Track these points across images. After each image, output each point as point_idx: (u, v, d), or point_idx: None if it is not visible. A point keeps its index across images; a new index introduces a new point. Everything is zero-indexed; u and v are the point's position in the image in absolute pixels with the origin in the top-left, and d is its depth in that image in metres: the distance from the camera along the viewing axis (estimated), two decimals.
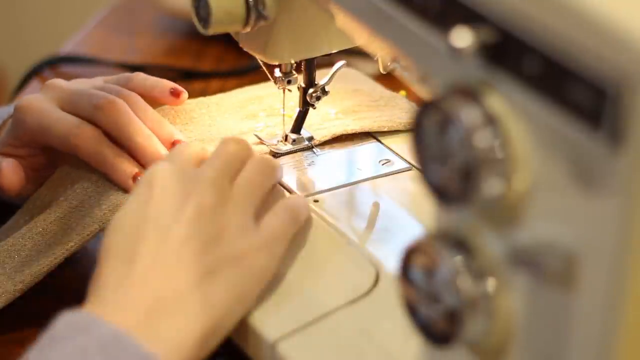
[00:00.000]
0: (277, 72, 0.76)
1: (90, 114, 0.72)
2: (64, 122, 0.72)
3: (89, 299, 0.57)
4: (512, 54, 0.43)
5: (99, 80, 0.78)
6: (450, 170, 0.45)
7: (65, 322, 0.55)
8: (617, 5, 0.39)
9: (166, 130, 0.75)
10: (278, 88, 0.77)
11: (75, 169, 0.74)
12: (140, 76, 0.78)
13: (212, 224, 0.59)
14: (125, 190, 0.72)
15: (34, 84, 1.01)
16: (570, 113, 0.41)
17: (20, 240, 0.71)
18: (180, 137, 0.75)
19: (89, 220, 0.70)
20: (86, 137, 0.71)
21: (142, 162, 0.72)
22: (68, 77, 0.79)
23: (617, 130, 0.39)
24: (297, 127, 0.79)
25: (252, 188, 0.63)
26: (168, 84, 0.78)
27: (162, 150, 0.73)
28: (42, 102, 0.73)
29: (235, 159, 0.63)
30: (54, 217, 0.72)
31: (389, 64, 0.72)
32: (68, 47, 1.08)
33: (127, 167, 0.72)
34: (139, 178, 0.71)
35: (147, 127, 0.73)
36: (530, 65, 0.42)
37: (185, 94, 0.78)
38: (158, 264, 0.57)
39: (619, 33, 0.38)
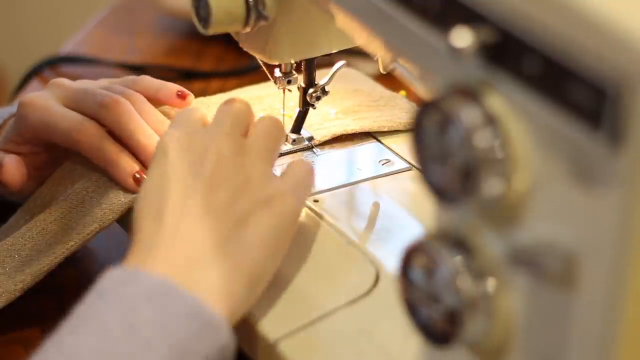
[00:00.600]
0: (277, 72, 0.76)
1: (95, 112, 0.73)
2: (67, 118, 0.72)
3: (128, 257, 0.58)
4: (512, 54, 0.43)
5: (103, 81, 0.78)
6: (450, 170, 0.45)
7: (110, 277, 0.56)
8: (617, 5, 0.39)
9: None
10: (278, 88, 0.77)
11: (76, 167, 0.74)
12: (146, 79, 0.78)
13: (235, 173, 0.60)
14: (126, 189, 0.72)
15: (34, 84, 1.01)
16: (570, 113, 0.41)
17: (20, 239, 0.71)
18: None
19: (89, 219, 0.70)
20: (89, 133, 0.72)
21: (143, 161, 0.72)
22: (68, 77, 0.79)
23: (617, 130, 0.39)
24: (297, 127, 0.79)
25: (269, 140, 0.64)
26: (174, 87, 0.78)
27: None
28: (45, 99, 0.74)
29: (241, 113, 0.64)
30: (54, 217, 0.72)
31: (389, 64, 0.72)
32: (68, 47, 1.08)
33: (128, 165, 0.72)
34: (138, 176, 0.71)
35: (150, 127, 0.73)
36: (530, 65, 0.42)
37: (191, 97, 0.79)
38: (187, 217, 0.58)
39: (619, 33, 0.38)
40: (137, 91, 0.76)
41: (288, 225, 0.61)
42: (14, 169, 0.73)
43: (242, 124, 0.64)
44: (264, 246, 0.59)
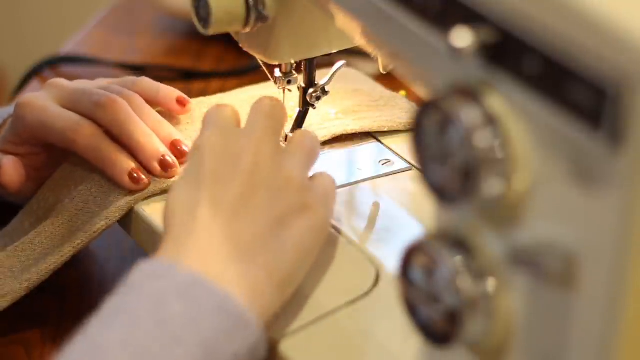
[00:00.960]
0: (277, 72, 0.76)
1: (91, 112, 0.72)
2: (63, 118, 0.72)
3: (160, 250, 0.57)
4: (512, 54, 0.43)
5: (101, 82, 0.78)
6: (450, 170, 0.45)
7: (141, 270, 0.55)
8: (617, 5, 0.39)
9: (166, 131, 0.75)
10: (278, 88, 0.77)
11: (77, 169, 0.74)
12: (145, 80, 0.78)
13: (275, 175, 0.60)
14: (124, 188, 0.72)
15: (34, 84, 1.01)
16: (570, 113, 0.41)
17: (30, 245, 0.71)
18: (179, 137, 0.75)
19: (97, 219, 0.70)
20: (85, 133, 0.71)
21: (141, 160, 0.72)
22: (68, 77, 0.79)
23: (617, 130, 0.39)
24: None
25: (309, 150, 0.63)
26: (174, 92, 0.78)
27: (162, 148, 0.73)
28: (42, 99, 0.74)
29: (276, 113, 0.64)
30: (61, 221, 0.72)
31: (389, 64, 0.72)
32: (68, 47, 1.08)
33: (124, 163, 0.71)
34: (135, 175, 0.71)
35: (147, 127, 0.73)
36: (530, 65, 0.42)
37: (190, 104, 0.79)
38: (223, 212, 0.57)
39: (619, 33, 0.38)
40: (136, 92, 0.76)
41: (320, 234, 0.61)
42: (12, 170, 0.73)
43: (277, 124, 0.63)
44: (297, 251, 0.58)
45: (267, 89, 0.85)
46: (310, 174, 0.64)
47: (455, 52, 0.43)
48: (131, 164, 0.72)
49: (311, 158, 0.64)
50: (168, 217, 0.59)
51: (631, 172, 0.39)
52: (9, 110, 0.78)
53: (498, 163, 0.44)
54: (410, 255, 0.49)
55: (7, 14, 2.16)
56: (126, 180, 0.71)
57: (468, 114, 0.44)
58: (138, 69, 1.01)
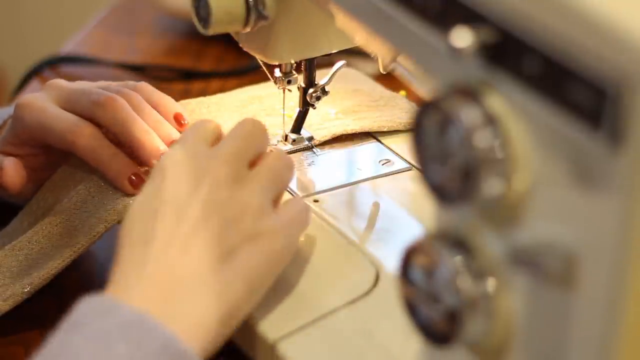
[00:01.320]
0: (277, 72, 0.76)
1: (90, 112, 0.72)
2: (62, 120, 0.72)
3: (109, 283, 0.57)
4: (512, 54, 0.43)
5: (101, 83, 0.78)
6: (450, 170, 0.45)
7: (87, 306, 0.55)
8: (617, 5, 0.39)
9: (166, 130, 0.74)
10: (278, 88, 0.77)
11: (76, 169, 0.74)
12: (147, 89, 0.77)
13: (230, 203, 0.58)
14: (123, 191, 0.71)
15: (34, 84, 1.01)
16: (570, 113, 0.41)
17: (27, 244, 0.71)
18: (178, 137, 0.75)
19: (95, 221, 0.70)
20: (84, 135, 0.71)
21: (141, 158, 0.72)
22: (68, 77, 0.79)
23: (617, 130, 0.39)
24: (297, 127, 0.79)
25: (274, 175, 0.62)
26: (173, 107, 0.77)
27: (162, 146, 0.73)
28: (41, 100, 0.74)
29: (251, 137, 0.62)
30: (59, 220, 0.72)
31: (389, 64, 0.72)
32: (68, 47, 1.08)
33: (124, 168, 0.71)
34: (134, 178, 0.71)
35: (146, 124, 0.73)
36: (530, 65, 0.42)
37: (187, 123, 0.78)
38: (175, 244, 0.57)
39: (619, 33, 0.38)
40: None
41: (274, 263, 0.59)
42: (13, 171, 0.73)
43: (249, 149, 0.62)
44: (246, 282, 0.57)
45: (267, 89, 0.85)
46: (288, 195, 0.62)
47: (455, 52, 0.43)
48: (131, 169, 0.71)
49: (277, 182, 0.62)
50: (122, 244, 0.58)
51: (631, 172, 0.39)
52: (8, 110, 0.78)
53: (498, 163, 0.44)
54: (410, 255, 0.49)
55: (7, 14, 2.16)
56: (126, 184, 0.71)
57: (468, 114, 0.44)
58: (138, 69, 1.01)
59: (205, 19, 0.69)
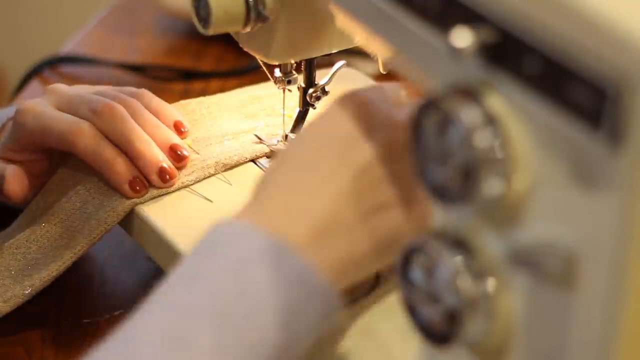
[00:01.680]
0: (277, 73, 0.76)
1: (89, 119, 0.72)
2: (62, 120, 0.72)
3: (251, 203, 0.56)
4: (512, 54, 0.43)
5: (101, 88, 0.78)
6: (450, 170, 0.45)
7: (221, 232, 0.54)
8: (617, 5, 0.39)
9: (164, 135, 0.74)
10: (278, 88, 0.77)
11: (76, 171, 0.74)
12: (146, 96, 0.77)
13: (395, 164, 0.57)
14: (126, 196, 0.71)
15: (34, 84, 1.01)
16: (570, 113, 0.41)
17: (25, 242, 0.71)
18: (178, 142, 0.75)
19: (94, 222, 0.70)
20: (84, 134, 0.71)
21: (140, 169, 0.72)
22: (68, 77, 0.79)
23: (617, 130, 0.39)
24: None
25: None
26: (173, 115, 0.77)
27: (160, 155, 0.73)
28: (42, 105, 0.74)
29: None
30: (57, 219, 0.72)
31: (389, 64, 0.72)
32: (68, 47, 1.08)
33: (125, 171, 0.71)
34: (134, 184, 0.71)
35: (145, 132, 0.73)
36: (530, 65, 0.42)
37: (187, 131, 0.78)
38: (330, 186, 0.55)
39: (619, 33, 0.38)
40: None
41: (410, 231, 0.57)
42: (15, 180, 0.73)
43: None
44: (387, 239, 0.56)
45: (267, 89, 0.85)
46: None
47: (455, 52, 0.43)
48: (131, 173, 0.72)
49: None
50: (274, 168, 0.58)
51: (631, 172, 0.39)
52: (7, 112, 0.78)
53: (498, 163, 0.44)
54: (410, 255, 0.49)
55: (7, 14, 2.16)
56: (126, 188, 0.71)
57: (468, 114, 0.44)
58: (138, 69, 1.01)
59: (205, 19, 0.69)
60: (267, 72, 0.76)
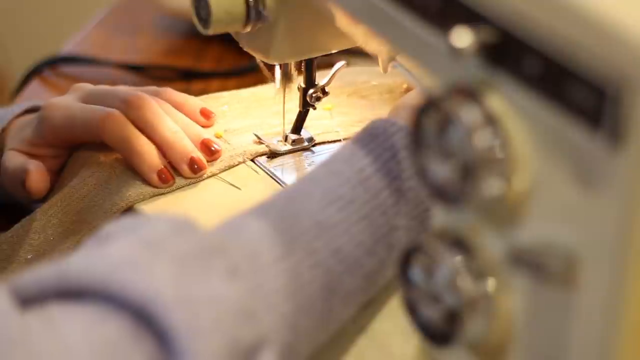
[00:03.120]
0: (277, 74, 0.76)
1: (119, 109, 0.73)
2: (90, 110, 0.73)
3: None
4: (512, 54, 0.43)
5: (123, 88, 0.78)
6: (450, 170, 0.45)
7: (377, 126, 0.61)
8: (617, 5, 0.39)
9: (195, 130, 0.75)
10: (278, 91, 0.77)
11: (89, 156, 0.75)
12: (169, 91, 0.78)
13: None
14: (153, 185, 0.72)
15: (34, 84, 1.01)
16: (570, 113, 0.41)
17: (38, 232, 0.71)
18: (210, 137, 0.75)
19: (117, 198, 0.71)
20: (115, 121, 0.72)
21: (170, 159, 0.73)
22: (68, 77, 0.79)
23: (617, 130, 0.39)
24: (297, 127, 0.79)
25: None
26: (197, 103, 0.78)
27: (190, 146, 0.73)
28: (68, 100, 0.75)
29: None
30: (80, 194, 0.72)
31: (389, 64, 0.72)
32: (68, 47, 1.08)
33: (154, 160, 0.72)
34: (163, 175, 0.71)
35: (174, 124, 0.74)
36: (530, 65, 0.42)
37: (214, 116, 0.79)
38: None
39: (619, 33, 0.38)
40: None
41: None
42: (39, 177, 0.73)
43: None
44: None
45: (266, 89, 0.85)
46: None
47: (455, 52, 0.43)
48: (161, 163, 0.72)
49: None
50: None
51: (631, 172, 0.39)
52: (12, 110, 0.79)
53: (498, 163, 0.44)
54: (410, 255, 0.49)
55: (7, 14, 2.16)
56: (154, 178, 0.72)
57: (468, 114, 0.44)
58: (138, 69, 1.01)
59: (205, 19, 0.69)
60: (265, 73, 0.77)
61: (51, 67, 1.03)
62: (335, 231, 0.55)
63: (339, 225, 0.55)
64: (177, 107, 0.77)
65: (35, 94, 0.98)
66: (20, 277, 0.47)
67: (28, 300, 0.46)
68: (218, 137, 0.78)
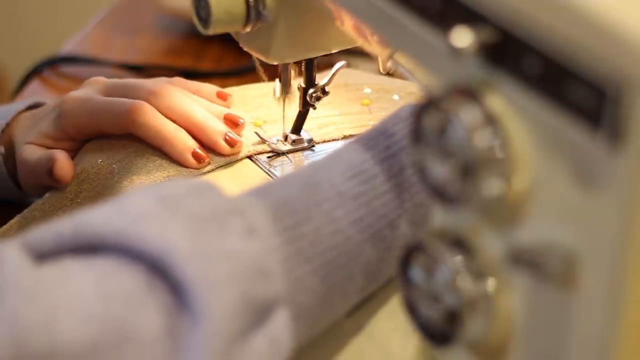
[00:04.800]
0: (277, 90, 0.77)
1: (147, 100, 0.75)
2: (117, 103, 0.74)
3: None
4: (512, 54, 0.43)
5: (133, 80, 0.80)
6: (450, 170, 0.45)
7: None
8: (617, 5, 0.39)
9: (217, 108, 0.78)
10: (279, 94, 0.77)
11: (102, 145, 0.75)
12: (182, 80, 0.80)
13: None
14: (189, 167, 0.73)
15: (34, 84, 1.01)
16: (570, 113, 0.41)
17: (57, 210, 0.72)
18: (231, 112, 0.78)
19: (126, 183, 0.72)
20: (143, 111, 0.73)
21: (204, 139, 0.75)
22: (68, 77, 0.80)
23: (617, 131, 0.39)
24: (297, 127, 0.79)
25: None
26: (212, 88, 0.81)
27: (221, 124, 0.76)
28: (88, 93, 0.76)
29: None
30: (90, 188, 0.73)
31: (388, 63, 0.72)
32: (68, 47, 1.08)
33: (188, 141, 0.74)
34: (197, 154, 0.73)
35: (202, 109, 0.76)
36: (530, 65, 0.42)
37: (231, 97, 0.81)
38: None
39: (619, 33, 0.38)
40: None
41: None
42: (66, 164, 0.74)
43: None
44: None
45: (266, 89, 0.85)
46: None
47: (455, 52, 0.43)
48: (193, 142, 0.74)
49: None
50: None
51: (631, 172, 0.39)
52: (15, 106, 0.79)
53: (498, 163, 0.44)
54: (410, 255, 0.49)
55: (7, 14, 2.16)
56: (189, 158, 0.74)
57: (468, 114, 0.44)
58: (138, 69, 1.01)
59: (205, 19, 0.69)
60: (261, 74, 0.77)
61: (51, 67, 1.03)
62: (357, 202, 0.55)
63: (360, 197, 0.56)
64: (194, 93, 0.79)
65: (35, 94, 0.98)
66: (36, 232, 0.48)
67: (44, 255, 0.47)
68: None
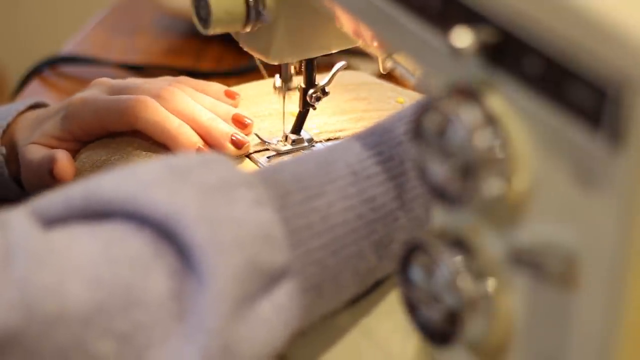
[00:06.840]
0: (278, 81, 0.76)
1: None
2: (121, 100, 0.75)
3: None
4: (512, 54, 0.43)
5: (138, 80, 0.80)
6: (450, 170, 0.45)
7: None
8: (617, 5, 0.39)
9: (224, 109, 0.78)
10: (279, 94, 0.77)
11: (105, 145, 0.76)
12: (189, 80, 0.81)
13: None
14: None
15: (34, 84, 1.01)
16: (570, 113, 0.41)
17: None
18: (239, 112, 0.78)
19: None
20: (146, 105, 0.74)
21: (210, 142, 0.75)
22: (68, 77, 0.80)
23: (617, 131, 0.39)
24: (297, 127, 0.79)
25: None
26: (220, 87, 0.81)
27: (227, 127, 0.75)
28: (94, 94, 0.76)
29: None
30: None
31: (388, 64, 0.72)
32: (68, 47, 1.08)
33: (192, 138, 0.74)
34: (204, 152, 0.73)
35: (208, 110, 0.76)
36: (531, 65, 0.42)
37: (239, 96, 0.81)
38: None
39: (620, 34, 0.38)
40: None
41: None
42: (67, 163, 0.74)
43: None
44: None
45: (266, 88, 0.85)
46: None
47: (455, 52, 0.43)
48: (197, 139, 0.74)
49: None
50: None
51: (631, 173, 0.39)
52: (15, 106, 0.79)
53: (498, 163, 0.44)
54: (410, 255, 0.49)
55: (7, 14, 2.16)
56: None
57: (468, 114, 0.44)
58: (138, 69, 1.01)
59: (205, 19, 0.69)
60: (263, 73, 0.77)
61: (51, 67, 1.03)
62: (371, 182, 0.56)
63: (374, 177, 0.56)
64: (201, 92, 0.79)
65: (35, 94, 0.98)
66: (46, 198, 0.49)
67: (52, 220, 0.48)
68: None
